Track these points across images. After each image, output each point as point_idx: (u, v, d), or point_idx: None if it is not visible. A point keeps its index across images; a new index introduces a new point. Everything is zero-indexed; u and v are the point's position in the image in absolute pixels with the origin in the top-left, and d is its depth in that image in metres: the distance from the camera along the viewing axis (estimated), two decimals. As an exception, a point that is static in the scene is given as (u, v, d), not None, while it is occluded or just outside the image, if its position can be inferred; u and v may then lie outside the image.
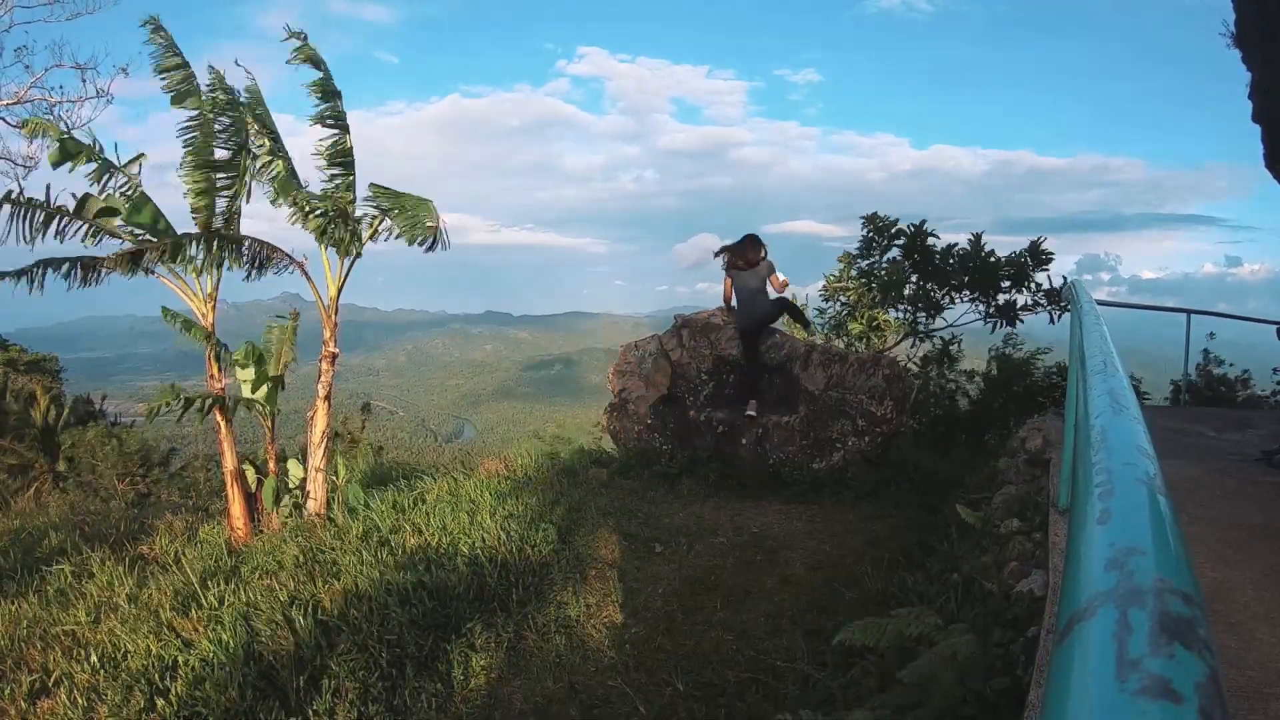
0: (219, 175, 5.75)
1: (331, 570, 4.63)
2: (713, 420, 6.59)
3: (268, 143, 5.61)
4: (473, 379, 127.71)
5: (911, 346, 8.68)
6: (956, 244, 8.22)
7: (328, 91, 5.61)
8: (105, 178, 5.44)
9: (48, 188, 5.18)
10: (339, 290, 5.92)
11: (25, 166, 10.38)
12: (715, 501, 5.73)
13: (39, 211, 5.13)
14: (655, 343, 7.20)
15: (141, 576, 5.11)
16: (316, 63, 5.54)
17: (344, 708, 3.38)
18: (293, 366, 6.41)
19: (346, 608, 4.07)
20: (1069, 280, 7.75)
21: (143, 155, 5.67)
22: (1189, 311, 7.64)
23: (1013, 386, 7.98)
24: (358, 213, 5.74)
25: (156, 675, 3.80)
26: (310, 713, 3.37)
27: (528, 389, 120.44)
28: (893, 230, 8.27)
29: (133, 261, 5.02)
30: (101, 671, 3.91)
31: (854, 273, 8.63)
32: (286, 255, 5.91)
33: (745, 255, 6.38)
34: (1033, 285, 7.93)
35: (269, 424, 6.23)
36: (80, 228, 5.34)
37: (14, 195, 5.06)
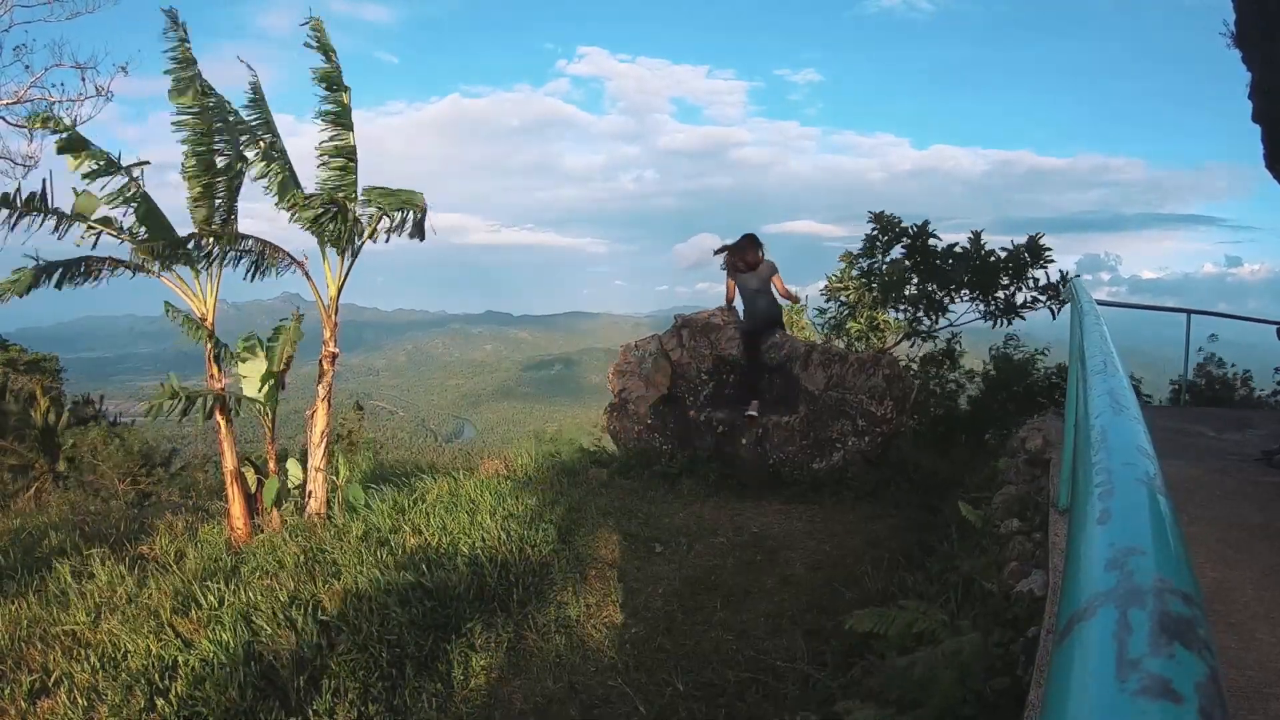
0: (217, 179, 5.75)
1: (331, 570, 4.63)
2: (713, 420, 6.59)
3: (262, 147, 5.62)
4: (473, 379, 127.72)
5: (912, 346, 8.69)
6: (957, 244, 8.23)
7: (335, 83, 5.60)
8: (108, 181, 5.44)
9: (44, 183, 5.16)
10: (339, 290, 5.92)
11: (25, 165, 10.39)
12: (715, 501, 5.73)
13: (39, 215, 5.12)
14: (655, 343, 7.20)
15: (141, 576, 5.10)
16: (328, 52, 5.54)
17: (344, 708, 3.38)
18: (293, 366, 6.41)
19: (346, 608, 4.07)
20: (1067, 274, 7.77)
21: (146, 161, 5.67)
22: (1189, 311, 7.64)
23: (1013, 386, 7.98)
24: (358, 210, 5.74)
25: (156, 675, 3.80)
26: (310, 713, 3.37)
27: (528, 389, 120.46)
28: (898, 229, 8.28)
29: (152, 254, 5.05)
30: (101, 671, 3.91)
31: (854, 272, 8.64)
32: (287, 255, 5.91)
33: (745, 257, 6.39)
34: (1032, 281, 7.94)
35: (269, 424, 6.23)
36: (80, 230, 5.34)
37: (11, 198, 5.05)
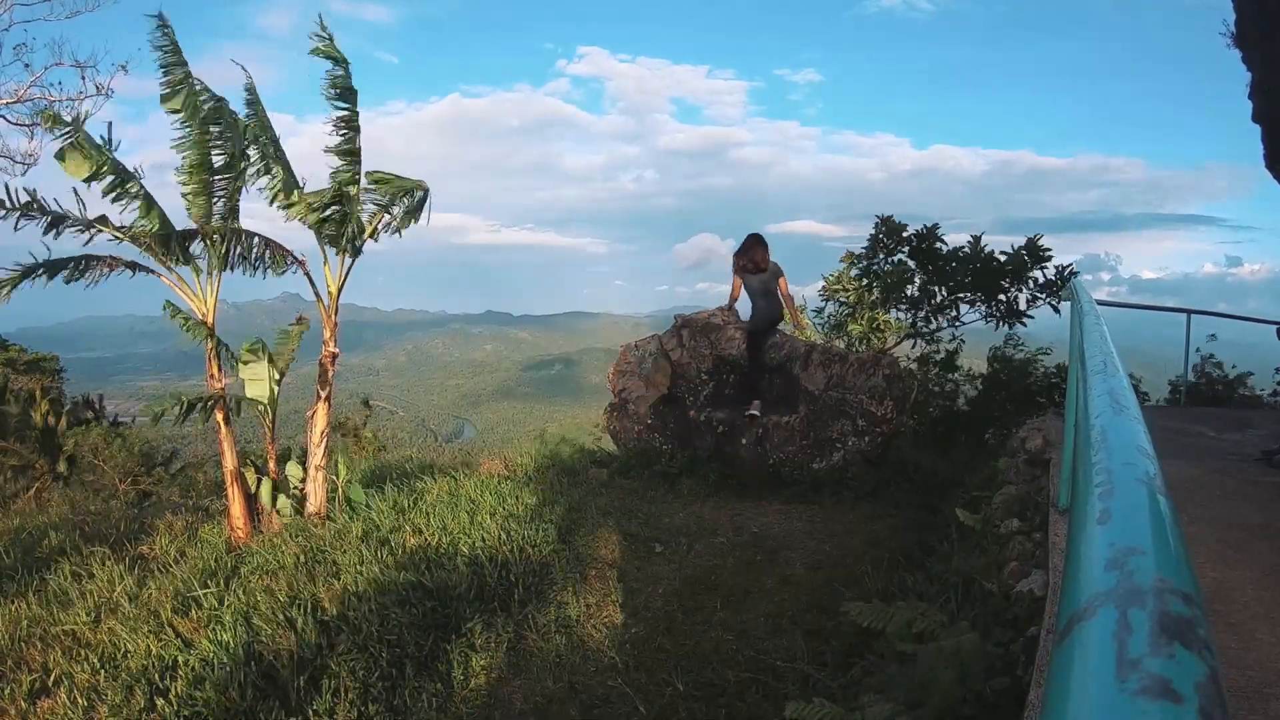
0: (215, 177, 5.75)
1: (331, 570, 4.63)
2: (713, 420, 6.59)
3: (256, 152, 5.64)
4: (473, 379, 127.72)
5: (913, 347, 8.70)
6: (960, 248, 8.24)
7: (345, 90, 5.61)
8: (120, 185, 5.45)
9: (34, 193, 5.16)
10: (339, 290, 5.92)
11: (24, 164, 10.38)
12: (715, 501, 5.73)
13: (43, 216, 5.13)
14: (655, 343, 7.20)
15: (141, 576, 5.10)
16: (337, 59, 5.55)
17: (344, 708, 3.38)
18: (293, 366, 6.41)
19: (346, 608, 4.07)
20: (1067, 268, 7.77)
21: (139, 169, 5.68)
22: (1189, 311, 7.64)
23: (1012, 386, 7.99)
24: (361, 205, 5.75)
25: (156, 675, 3.80)
26: (310, 713, 3.37)
27: (528, 389, 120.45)
28: (903, 234, 8.30)
29: (166, 244, 5.06)
30: (101, 671, 3.91)
31: (854, 273, 8.64)
32: (289, 253, 5.91)
33: (755, 258, 6.42)
34: (1032, 282, 7.95)
35: (269, 424, 6.23)
36: (82, 230, 5.33)
37: (21, 200, 5.06)
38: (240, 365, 5.96)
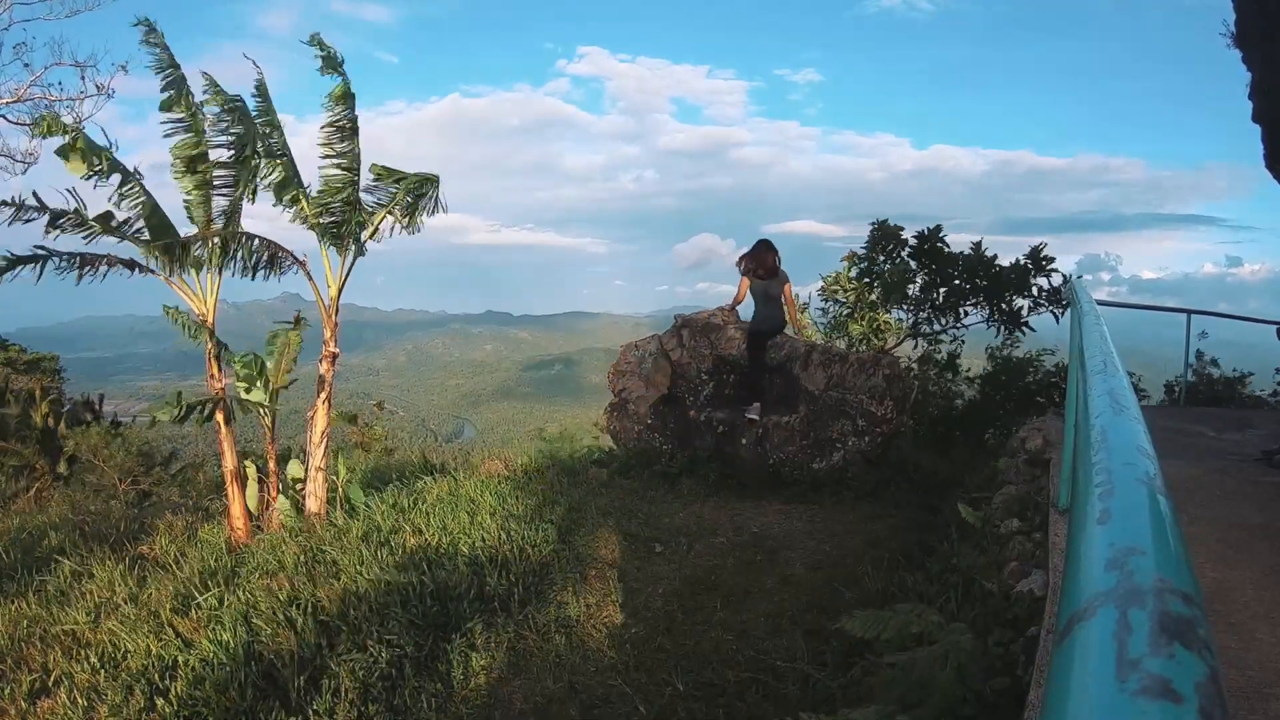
0: (217, 175, 5.74)
1: (331, 570, 4.63)
2: (713, 420, 6.59)
3: (263, 150, 5.62)
4: (473, 379, 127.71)
5: (914, 348, 8.71)
6: (963, 251, 8.27)
7: (346, 95, 5.61)
8: (121, 186, 5.44)
9: (35, 194, 5.16)
10: (339, 290, 5.92)
11: (25, 163, 10.39)
12: (715, 501, 5.73)
13: (43, 214, 5.12)
14: (655, 343, 7.20)
15: (141, 576, 5.10)
16: (337, 66, 5.55)
17: (344, 708, 3.38)
18: (293, 367, 6.41)
19: (346, 608, 4.07)
20: (1069, 278, 7.80)
21: (138, 170, 5.67)
22: (1189, 311, 7.65)
23: (1011, 386, 8.00)
24: (363, 213, 5.76)
25: (156, 675, 3.80)
26: (310, 713, 3.36)
27: (528, 389, 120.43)
28: (900, 238, 8.32)
29: (168, 252, 5.05)
30: (101, 671, 3.92)
31: (854, 273, 8.65)
32: (289, 254, 5.91)
33: (765, 262, 6.48)
34: (1035, 289, 8.00)
35: (269, 424, 6.23)
36: (80, 228, 5.33)
37: (28, 201, 5.06)
38: (239, 384, 5.96)
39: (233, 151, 5.62)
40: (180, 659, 3.90)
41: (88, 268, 5.21)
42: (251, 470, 6.03)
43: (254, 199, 5.84)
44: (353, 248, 5.85)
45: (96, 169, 5.21)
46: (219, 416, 5.81)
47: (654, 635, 3.74)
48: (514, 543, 4.65)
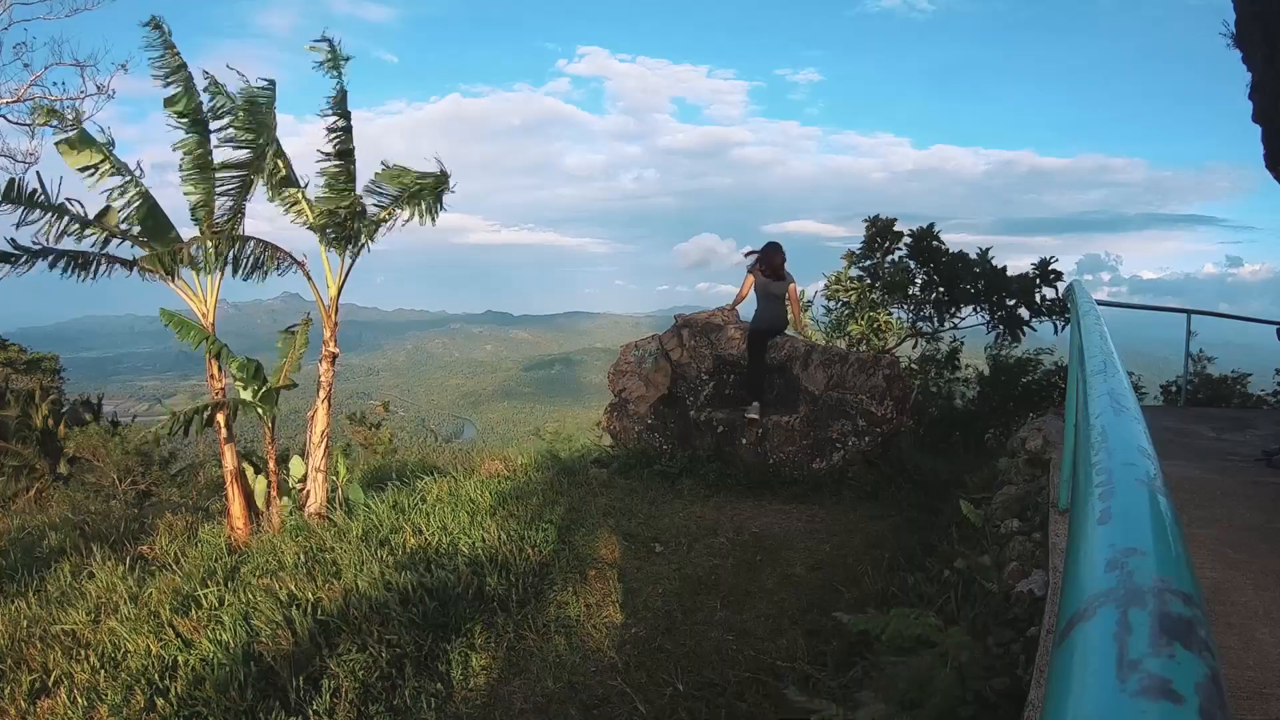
0: (220, 176, 5.74)
1: (331, 570, 4.63)
2: (713, 420, 6.59)
3: (267, 150, 5.63)
4: (473, 379, 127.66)
5: (914, 348, 8.73)
6: (962, 250, 8.30)
7: (340, 97, 5.62)
8: (121, 184, 5.44)
9: (39, 176, 5.15)
10: (339, 290, 5.92)
11: (25, 163, 10.39)
12: (715, 501, 5.73)
13: (45, 212, 5.12)
14: (655, 343, 7.20)
15: (141, 576, 5.10)
16: (338, 67, 5.55)
17: (344, 708, 3.38)
18: (298, 368, 6.42)
19: (346, 608, 4.07)
20: (1070, 282, 7.84)
21: (140, 168, 5.67)
22: (1189, 311, 7.65)
23: (1011, 386, 8.01)
24: (364, 221, 5.77)
25: (156, 675, 3.80)
26: (310, 713, 3.37)
27: (528, 389, 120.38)
28: (893, 232, 8.35)
29: (159, 263, 5.04)
30: (101, 671, 3.92)
31: (854, 272, 8.67)
32: (288, 255, 5.91)
33: (773, 264, 6.53)
34: (1040, 299, 8.05)
35: (269, 424, 6.23)
36: (87, 232, 5.33)
37: (32, 193, 5.03)
38: (238, 386, 5.96)
39: (246, 151, 5.61)
40: (180, 659, 3.90)
41: (88, 268, 5.22)
42: (251, 472, 6.03)
43: (275, 195, 5.82)
44: (351, 249, 5.85)
45: (96, 163, 5.22)
46: (220, 418, 5.81)
47: (654, 635, 3.74)
48: (514, 543, 4.65)
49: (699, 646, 3.61)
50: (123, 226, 5.55)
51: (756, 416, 6.31)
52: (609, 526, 5.03)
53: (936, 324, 8.54)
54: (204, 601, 4.49)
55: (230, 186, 5.77)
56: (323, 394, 5.94)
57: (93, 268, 5.25)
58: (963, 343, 8.69)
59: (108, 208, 5.44)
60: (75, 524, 6.59)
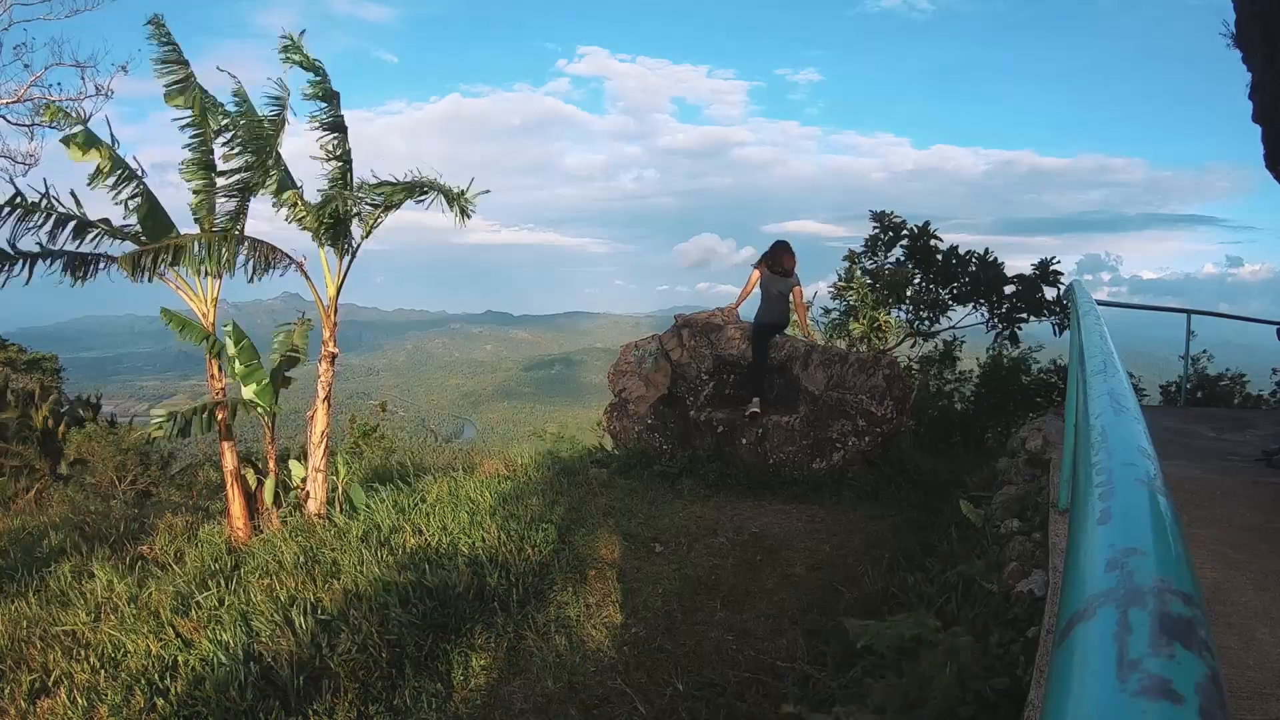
0: (220, 176, 5.74)
1: (331, 570, 4.63)
2: (713, 420, 6.59)
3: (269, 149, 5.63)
4: (473, 379, 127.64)
5: (913, 348, 8.74)
6: (961, 249, 8.31)
7: (326, 93, 5.61)
8: (122, 184, 5.44)
9: (45, 181, 5.16)
10: (338, 290, 5.92)
11: (25, 164, 10.39)
12: (715, 501, 5.73)
13: (44, 215, 5.12)
14: (655, 343, 7.20)
15: (142, 576, 5.10)
16: (311, 67, 5.53)
17: (344, 708, 3.38)
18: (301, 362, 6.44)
19: (346, 608, 4.07)
20: (1070, 282, 7.84)
21: (141, 168, 5.67)
22: (1189, 311, 7.66)
23: (1009, 385, 8.03)
24: (355, 208, 5.75)
25: (156, 675, 3.80)
26: (310, 713, 3.37)
27: (528, 389, 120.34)
28: (899, 229, 8.37)
29: (135, 264, 5.02)
30: (101, 671, 3.92)
31: (858, 272, 8.69)
32: (287, 255, 5.91)
33: (782, 262, 6.62)
34: (1039, 298, 8.05)
35: (269, 424, 6.23)
36: (86, 231, 5.33)
37: (26, 201, 5.05)
38: (238, 373, 5.96)
39: (250, 154, 5.60)
40: (180, 659, 3.90)
41: (86, 268, 5.22)
42: (251, 472, 6.03)
43: (276, 199, 5.82)
44: (347, 246, 5.84)
45: (99, 161, 5.22)
46: (219, 417, 5.81)
47: (654, 635, 3.74)
48: (514, 543, 4.65)
49: (699, 646, 3.61)
50: (123, 226, 5.55)
51: (758, 410, 6.32)
52: (609, 526, 5.03)
53: (933, 323, 8.56)
54: (204, 601, 4.49)
55: (229, 188, 5.77)
56: (322, 394, 5.94)
57: (90, 268, 5.26)
58: (963, 342, 8.70)
59: (107, 219, 5.44)
60: (75, 524, 6.59)
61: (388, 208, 5.72)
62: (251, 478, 6.01)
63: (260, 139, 5.45)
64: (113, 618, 4.46)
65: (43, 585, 5.15)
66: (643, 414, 6.91)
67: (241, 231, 5.79)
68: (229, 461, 5.88)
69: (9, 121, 10.19)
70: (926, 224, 8.33)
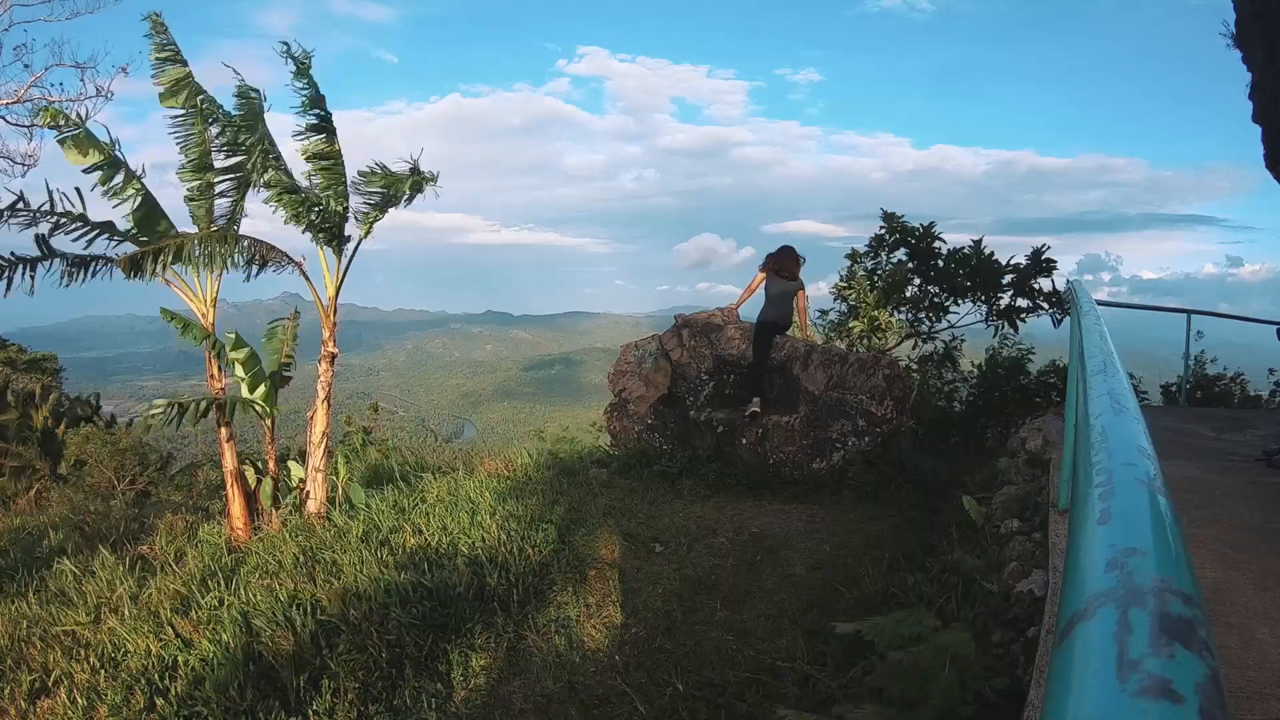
0: (219, 177, 5.74)
1: (331, 570, 4.63)
2: (713, 420, 6.59)
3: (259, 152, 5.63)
4: (473, 379, 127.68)
5: (913, 348, 8.75)
6: (960, 248, 8.32)
7: (315, 99, 5.60)
8: (121, 183, 5.44)
9: (47, 184, 5.16)
10: (337, 289, 5.91)
11: (25, 165, 10.40)
12: (715, 501, 5.73)
13: (45, 217, 5.12)
14: (655, 343, 7.20)
15: (141, 576, 5.10)
16: (304, 72, 5.53)
17: (344, 708, 3.38)
18: (291, 360, 6.43)
19: (346, 608, 4.07)
20: (1070, 282, 7.85)
21: (142, 168, 5.68)
22: (1189, 311, 7.66)
23: (1009, 384, 8.03)
24: (350, 204, 5.76)
25: (156, 675, 3.80)
26: (310, 713, 3.37)
27: (528, 389, 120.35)
28: (907, 232, 8.40)
29: (135, 265, 5.01)
30: (101, 671, 3.92)
31: (860, 272, 8.70)
32: (285, 255, 5.90)
33: (787, 266, 6.69)
34: (1035, 289, 8.04)
35: (269, 424, 6.23)
36: (84, 231, 5.33)
37: (21, 205, 5.05)
38: (235, 365, 5.95)
39: (243, 155, 5.59)
40: (180, 659, 3.90)
41: (85, 269, 5.22)
42: (251, 472, 6.03)
43: (273, 198, 5.82)
44: (343, 245, 5.84)
45: (99, 162, 5.22)
46: (219, 416, 5.80)
47: (654, 635, 3.74)
48: (514, 543, 4.65)
49: (699, 646, 3.61)
50: (123, 227, 5.55)
51: (759, 410, 6.32)
52: (609, 526, 5.03)
53: (933, 323, 8.57)
54: (204, 601, 4.48)
55: (226, 188, 5.76)
56: (322, 394, 5.93)
57: (90, 269, 5.26)
58: (963, 341, 8.71)
59: (110, 222, 5.44)
60: (75, 524, 6.59)
61: (385, 206, 5.72)
62: (251, 478, 6.00)
63: (255, 133, 5.45)
64: (113, 618, 4.46)
65: (43, 585, 5.14)
66: (643, 414, 6.91)
67: (238, 230, 5.79)
68: (229, 461, 5.88)
69: (8, 122, 10.20)
70: (931, 225, 8.34)
